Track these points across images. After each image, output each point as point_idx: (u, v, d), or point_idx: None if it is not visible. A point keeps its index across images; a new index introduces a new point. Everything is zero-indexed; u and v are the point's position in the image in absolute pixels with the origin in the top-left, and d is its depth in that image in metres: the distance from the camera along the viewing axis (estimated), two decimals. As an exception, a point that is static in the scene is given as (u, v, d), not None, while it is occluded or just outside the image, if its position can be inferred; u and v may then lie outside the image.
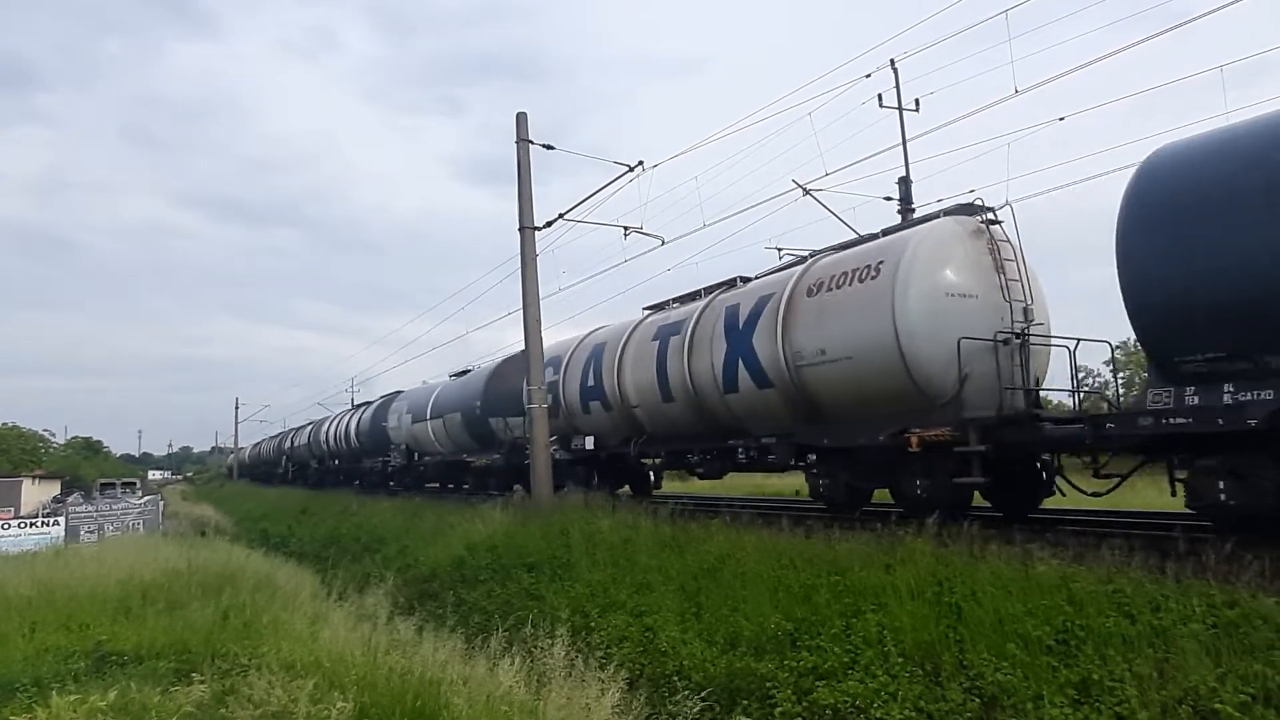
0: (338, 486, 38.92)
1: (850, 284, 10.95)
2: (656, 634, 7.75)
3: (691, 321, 14.13)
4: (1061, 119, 15.18)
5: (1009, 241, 10.70)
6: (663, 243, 17.98)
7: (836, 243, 12.68)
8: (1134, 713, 4.69)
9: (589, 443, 17.22)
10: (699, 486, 20.77)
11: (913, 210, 18.80)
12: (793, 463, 12.68)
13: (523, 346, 17.56)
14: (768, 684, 6.35)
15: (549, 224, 17.64)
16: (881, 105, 19.52)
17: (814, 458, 12.16)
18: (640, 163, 16.66)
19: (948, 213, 11.06)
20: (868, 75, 17.57)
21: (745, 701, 6.35)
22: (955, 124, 16.45)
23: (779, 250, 14.06)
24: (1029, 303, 10.49)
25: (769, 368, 12.02)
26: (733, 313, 13.15)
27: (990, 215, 10.83)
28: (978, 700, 5.36)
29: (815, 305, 11.43)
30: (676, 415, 14.52)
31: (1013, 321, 10.27)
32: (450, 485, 28.01)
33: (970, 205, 11.09)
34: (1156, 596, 5.69)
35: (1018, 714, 5.05)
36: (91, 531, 21.88)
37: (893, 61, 18.98)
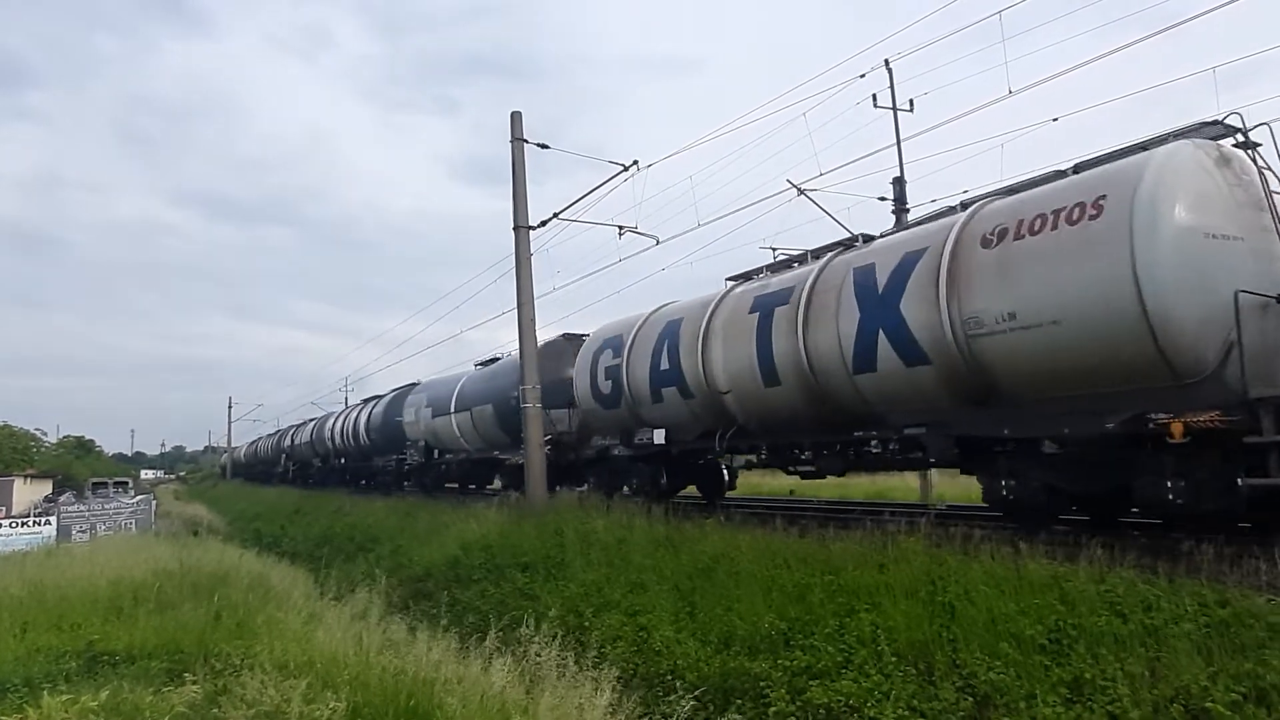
0: (343, 487, 36.58)
1: (1053, 228, 8.47)
2: (650, 633, 7.76)
3: (804, 288, 11.41)
4: (1055, 120, 15.20)
5: (1272, 171, 8.39)
6: (657, 242, 17.98)
7: (1001, 187, 10.04)
8: (1126, 712, 4.71)
9: (658, 436, 14.60)
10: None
11: (907, 211, 18.84)
12: (949, 458, 10.28)
13: (565, 333, 17.49)
14: (761, 683, 6.36)
15: (543, 223, 17.63)
16: (876, 105, 19.57)
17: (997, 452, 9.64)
18: (635, 162, 16.66)
19: (1180, 135, 8.58)
20: (862, 75, 17.63)
21: (739, 701, 6.36)
22: (949, 124, 16.45)
23: (774, 250, 14.02)
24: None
25: (925, 339, 9.44)
26: (865, 275, 10.51)
27: (1243, 136, 8.43)
28: (971, 699, 5.38)
29: (995, 259, 8.94)
30: (782, 402, 11.89)
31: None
32: (473, 485, 25.78)
33: (1216, 124, 8.60)
34: (1148, 596, 5.71)
35: (1010, 713, 5.07)
36: (83, 531, 21.80)
37: (887, 62, 19.01)
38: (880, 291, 10.19)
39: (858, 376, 10.49)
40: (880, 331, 10.08)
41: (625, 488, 15.39)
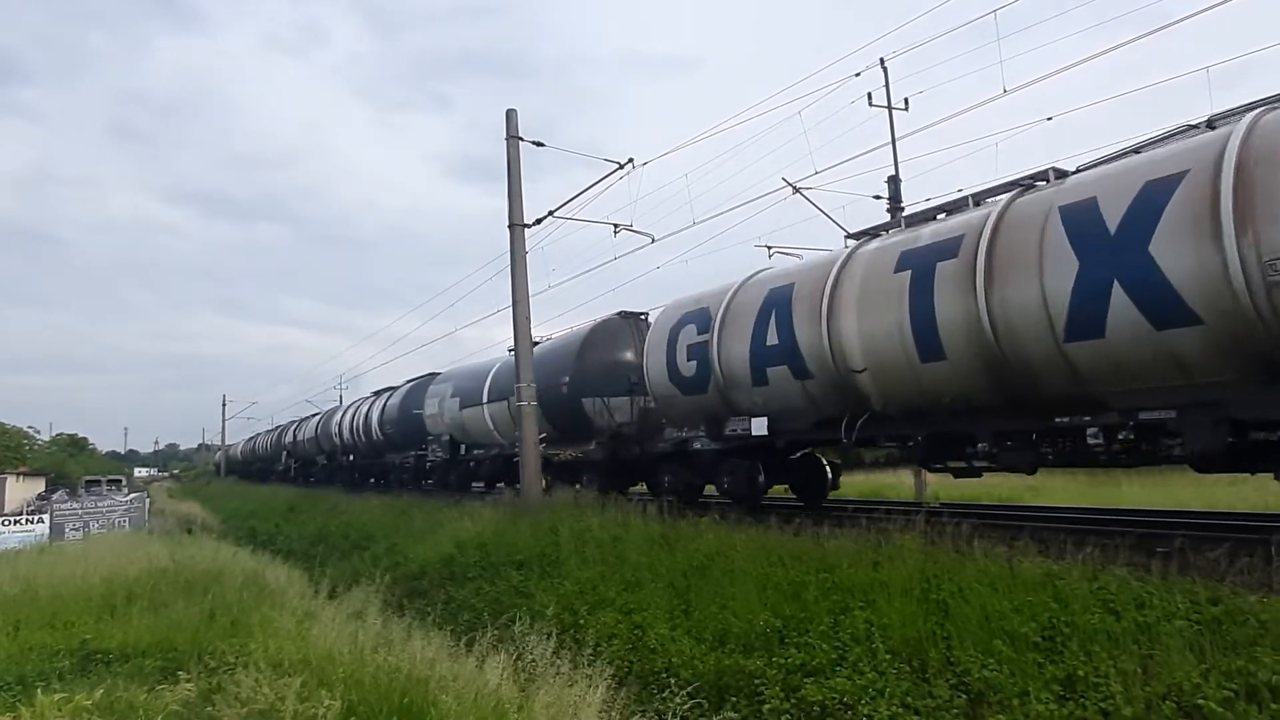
0: (350, 486, 33.99)
1: None
2: (645, 631, 7.77)
3: (981, 238, 9.03)
4: (1050, 119, 15.24)
5: None
6: (652, 240, 17.98)
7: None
8: (1119, 709, 4.73)
9: (759, 426, 12.27)
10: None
11: (902, 209, 18.87)
12: (1215, 452, 7.59)
13: (621, 310, 16.68)
14: (756, 681, 6.37)
15: (539, 221, 17.62)
16: (871, 104, 19.61)
17: None
18: (630, 160, 16.65)
19: None
20: (857, 74, 17.68)
21: (734, 699, 6.37)
22: (944, 123, 16.44)
23: (769, 248, 14.01)
24: None
25: (1193, 291, 7.19)
26: (1083, 214, 8.13)
27: None
28: (964, 697, 5.40)
29: None
30: (946, 380, 9.56)
31: None
32: (502, 483, 22.57)
33: None
34: (1141, 593, 5.73)
35: (1004, 710, 5.08)
36: (76, 529, 21.77)
37: (882, 60, 19.07)
38: (1113, 233, 7.86)
39: (1071, 344, 8.22)
40: (1115, 285, 7.79)
41: (718, 486, 13.46)
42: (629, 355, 16.50)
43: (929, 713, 5.35)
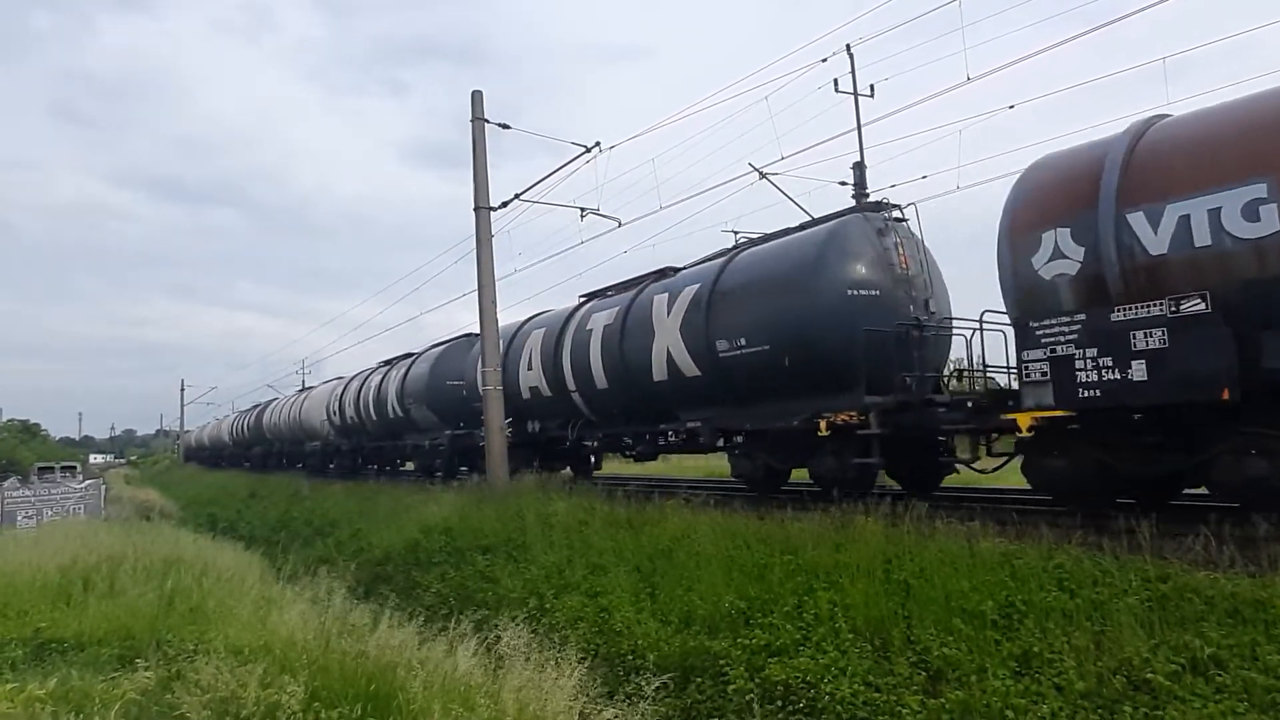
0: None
1: None
2: (612, 614, 7.80)
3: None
4: (1011, 107, 15.45)
5: None
6: (619, 224, 17.95)
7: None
8: (1072, 683, 4.87)
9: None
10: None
11: (867, 195, 19.00)
12: None
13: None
14: (721, 661, 6.44)
15: (505, 204, 17.47)
16: (837, 90, 19.62)
17: None
18: (597, 144, 16.57)
19: None
20: (824, 60, 17.66)
21: (699, 679, 6.43)
22: (909, 110, 16.58)
23: (735, 233, 14.09)
24: None
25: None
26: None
27: None
28: (924, 674, 5.52)
29: None
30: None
31: None
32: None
33: None
34: (1095, 572, 5.89)
35: (962, 686, 5.20)
36: (29, 517, 21.21)
37: (849, 47, 19.07)
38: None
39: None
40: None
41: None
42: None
43: (890, 690, 5.45)
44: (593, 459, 18.15)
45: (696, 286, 12.72)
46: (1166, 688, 4.60)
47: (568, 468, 18.17)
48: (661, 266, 14.88)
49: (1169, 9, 11.07)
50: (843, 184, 19.82)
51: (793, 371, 10.89)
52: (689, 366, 12.59)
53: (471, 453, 19.91)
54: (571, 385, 15.63)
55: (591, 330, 15.14)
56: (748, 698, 5.94)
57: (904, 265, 10.95)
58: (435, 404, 22.53)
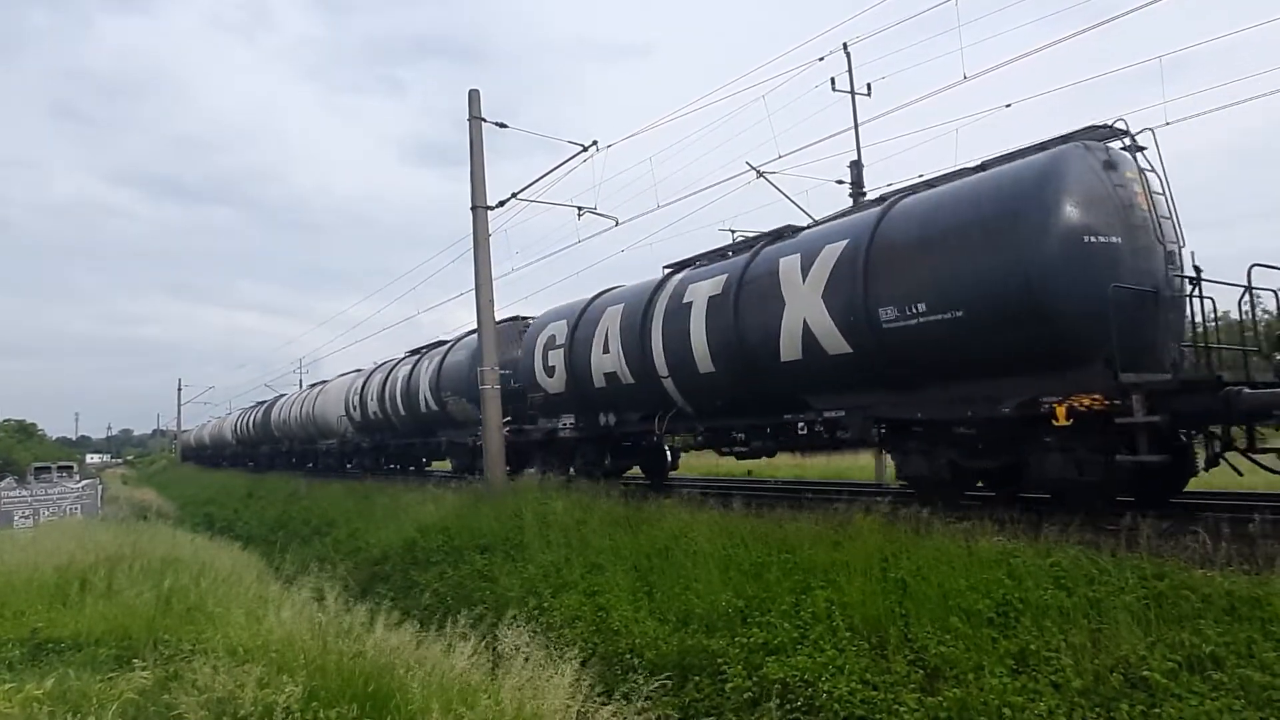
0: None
1: None
2: (609, 613, 7.80)
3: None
4: (1008, 106, 15.48)
5: None
6: (616, 223, 17.92)
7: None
8: (1069, 681, 4.87)
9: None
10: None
11: (864, 194, 19.02)
12: None
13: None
14: (719, 660, 6.44)
15: (502, 203, 17.44)
16: (835, 89, 19.65)
17: None
18: (595, 142, 16.53)
19: None
20: (821, 59, 17.69)
21: (697, 678, 6.44)
22: (906, 109, 16.59)
23: (732, 232, 14.06)
24: None
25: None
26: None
27: None
28: (921, 672, 5.52)
29: None
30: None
31: None
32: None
33: None
34: (1092, 570, 5.89)
35: (959, 684, 5.20)
36: (26, 517, 21.19)
37: (845, 45, 19.11)
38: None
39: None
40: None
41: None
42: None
43: (887, 688, 5.46)
44: (669, 457, 15.90)
45: (844, 243, 10.10)
46: (1163, 685, 4.61)
47: (636, 467, 16.13)
48: (778, 226, 12.21)
49: (1167, 7, 11.08)
50: (840, 182, 19.91)
51: (1001, 343, 8.54)
52: (835, 342, 10.00)
53: (525, 450, 17.48)
54: (662, 370, 12.93)
55: (691, 303, 12.35)
56: (745, 696, 5.95)
57: (1146, 206, 8.65)
58: (478, 396, 17.84)
